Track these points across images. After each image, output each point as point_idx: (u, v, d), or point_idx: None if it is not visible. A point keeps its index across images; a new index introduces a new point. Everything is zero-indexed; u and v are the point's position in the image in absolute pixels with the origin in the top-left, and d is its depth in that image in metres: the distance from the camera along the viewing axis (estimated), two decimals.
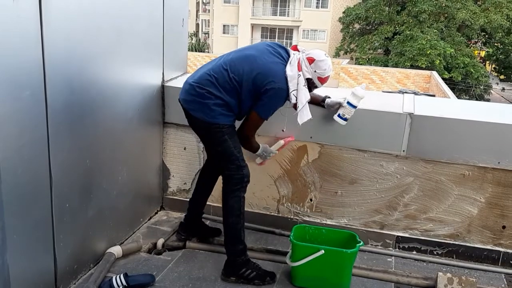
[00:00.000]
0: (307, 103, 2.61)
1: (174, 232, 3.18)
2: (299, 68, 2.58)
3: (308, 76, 2.60)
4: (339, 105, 2.84)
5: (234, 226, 2.67)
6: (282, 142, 3.03)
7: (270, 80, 2.51)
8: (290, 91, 2.56)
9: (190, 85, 2.61)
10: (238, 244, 2.68)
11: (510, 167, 2.86)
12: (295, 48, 2.71)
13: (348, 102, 2.79)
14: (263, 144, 2.92)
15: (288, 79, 2.55)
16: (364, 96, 2.79)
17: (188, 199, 3.09)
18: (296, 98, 2.57)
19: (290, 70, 2.56)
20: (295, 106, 2.61)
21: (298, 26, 37.02)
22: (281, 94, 2.56)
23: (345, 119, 2.84)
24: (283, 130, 2.99)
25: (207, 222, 3.22)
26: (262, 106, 2.58)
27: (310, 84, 2.65)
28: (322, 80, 2.65)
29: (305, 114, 2.63)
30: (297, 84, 2.56)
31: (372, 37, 29.49)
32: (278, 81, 2.53)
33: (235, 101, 2.57)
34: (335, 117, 2.86)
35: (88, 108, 2.46)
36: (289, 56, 2.64)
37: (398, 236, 3.11)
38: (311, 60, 2.60)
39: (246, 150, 2.82)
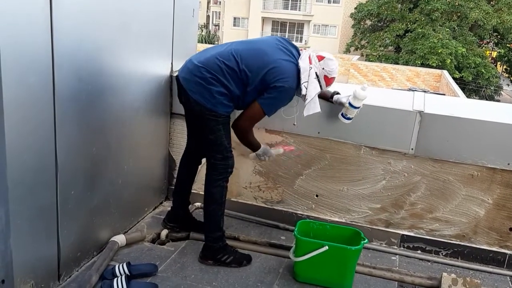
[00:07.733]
0: (316, 96, 2.60)
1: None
2: (310, 62, 2.59)
3: (316, 71, 2.61)
4: (343, 104, 2.82)
5: (214, 214, 2.70)
6: (281, 150, 2.98)
7: (281, 78, 2.50)
8: (302, 82, 2.56)
9: (195, 66, 2.53)
10: (217, 231, 2.71)
11: None
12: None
13: (349, 103, 2.77)
14: (264, 145, 2.86)
15: (301, 70, 2.55)
16: (366, 97, 2.74)
17: (194, 191, 3.08)
18: (306, 89, 2.57)
19: (303, 63, 2.58)
20: (304, 97, 2.61)
21: (309, 21, 36.83)
22: (289, 93, 2.57)
23: (349, 119, 2.83)
24: (294, 124, 2.97)
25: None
26: (267, 100, 2.55)
27: None
28: (328, 80, 2.66)
29: (312, 107, 2.62)
30: (308, 76, 2.56)
31: (383, 34, 29.35)
32: (289, 79, 2.53)
33: (239, 92, 2.54)
34: (339, 115, 2.85)
35: (95, 96, 2.45)
36: (299, 54, 2.65)
37: (403, 235, 3.09)
38: (320, 58, 2.63)
39: (245, 146, 2.79)
